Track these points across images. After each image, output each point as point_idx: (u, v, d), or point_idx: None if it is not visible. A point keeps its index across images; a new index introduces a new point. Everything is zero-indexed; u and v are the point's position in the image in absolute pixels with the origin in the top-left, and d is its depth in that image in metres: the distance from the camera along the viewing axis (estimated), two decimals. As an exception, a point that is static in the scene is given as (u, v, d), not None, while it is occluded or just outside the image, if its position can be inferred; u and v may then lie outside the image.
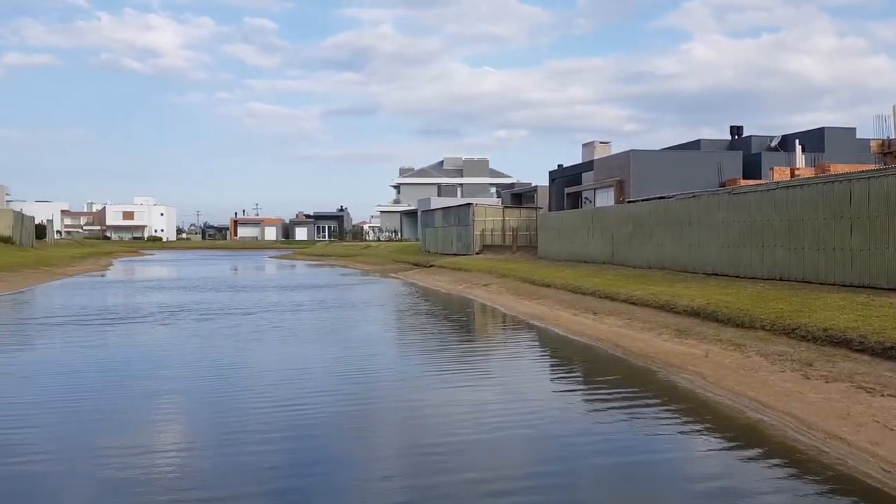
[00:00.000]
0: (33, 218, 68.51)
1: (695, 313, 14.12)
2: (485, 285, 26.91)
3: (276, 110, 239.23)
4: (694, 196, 22.60)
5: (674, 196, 24.17)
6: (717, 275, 19.77)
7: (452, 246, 46.42)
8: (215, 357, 13.10)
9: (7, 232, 53.16)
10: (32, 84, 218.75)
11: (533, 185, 60.16)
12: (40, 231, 70.55)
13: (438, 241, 49.92)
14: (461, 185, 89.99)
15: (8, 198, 76.24)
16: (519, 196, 60.52)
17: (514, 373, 11.76)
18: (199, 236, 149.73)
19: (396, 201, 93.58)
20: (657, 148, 42.72)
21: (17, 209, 65.21)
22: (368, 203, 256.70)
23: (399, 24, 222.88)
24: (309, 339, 15.44)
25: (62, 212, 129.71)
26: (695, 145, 42.09)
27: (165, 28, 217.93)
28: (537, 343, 15.22)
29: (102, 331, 16.53)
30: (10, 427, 8.11)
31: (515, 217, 44.43)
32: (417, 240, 62.32)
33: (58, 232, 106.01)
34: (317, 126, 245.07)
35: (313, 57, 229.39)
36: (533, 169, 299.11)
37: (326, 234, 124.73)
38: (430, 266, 39.83)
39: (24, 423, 8.36)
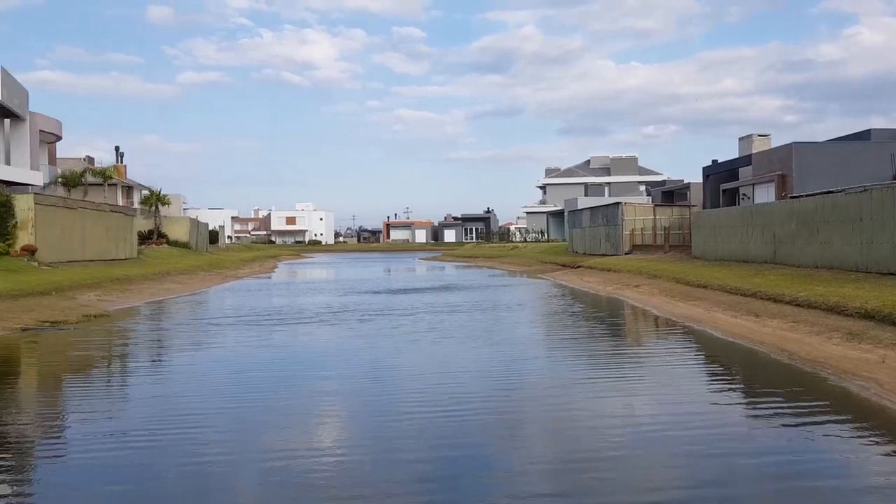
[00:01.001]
0: (207, 224, 74.16)
1: (868, 316, 13.18)
2: (635, 286, 26.32)
3: (423, 115, 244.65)
4: (865, 190, 21.02)
5: (843, 190, 22.58)
6: (892, 274, 18.30)
7: (601, 246, 45.65)
8: (375, 358, 13.52)
9: (184, 238, 57.82)
10: (204, 100, 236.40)
11: (685, 181, 58.05)
12: (213, 236, 76.17)
13: (586, 242, 49.25)
14: (609, 183, 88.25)
15: (184, 206, 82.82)
16: (670, 194, 58.59)
17: (670, 379, 11.28)
18: (355, 239, 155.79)
19: (542, 202, 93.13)
20: (820, 139, 40.03)
21: (193, 216, 70.75)
22: (514, 204, 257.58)
23: (542, 25, 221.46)
24: (464, 340, 15.52)
25: (232, 218, 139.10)
26: (864, 136, 39.00)
27: (321, 42, 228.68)
28: (694, 347, 14.69)
29: (270, 331, 17.41)
30: (185, 426, 8.55)
31: (667, 215, 43.06)
32: (564, 240, 61.76)
33: (228, 237, 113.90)
34: (462, 129, 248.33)
35: (458, 62, 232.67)
36: (684, 165, 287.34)
37: (474, 235, 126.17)
38: (578, 267, 39.39)
39: (197, 422, 8.75)
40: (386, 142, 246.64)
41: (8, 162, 40.31)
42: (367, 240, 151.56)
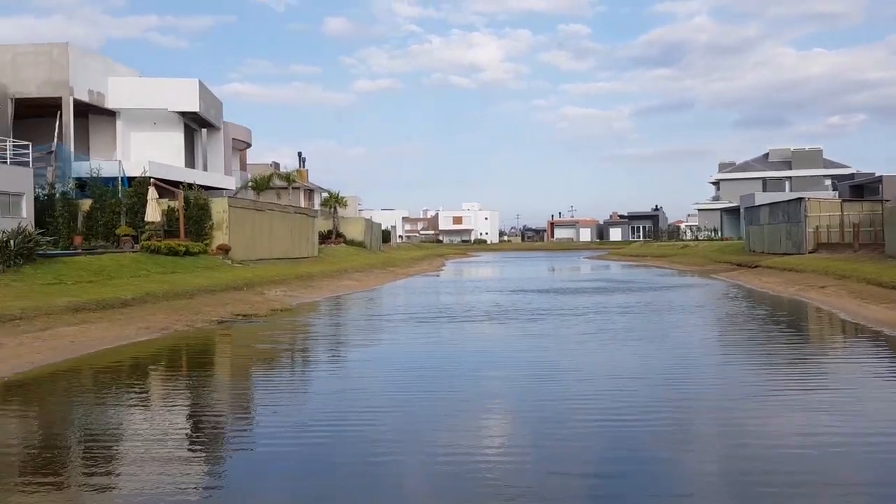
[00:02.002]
0: (380, 224, 77.44)
1: None
2: (820, 287, 24.62)
3: (588, 112, 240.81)
4: None
5: None
6: None
7: (780, 245, 42.99)
8: (543, 359, 13.42)
9: (360, 237, 60.72)
10: (377, 106, 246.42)
11: (877, 174, 53.34)
12: (386, 236, 79.39)
13: (764, 240, 46.55)
14: (789, 178, 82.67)
15: (360, 207, 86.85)
16: (859, 188, 54.04)
17: (865, 394, 10.05)
18: (519, 238, 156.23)
19: (716, 198, 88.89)
20: None
21: (367, 217, 74.07)
22: (685, 201, 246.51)
23: (715, 14, 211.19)
24: (635, 343, 15.09)
25: (403, 218, 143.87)
26: None
27: (487, 44, 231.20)
28: (890, 356, 13.52)
29: (440, 328, 17.84)
30: (361, 422, 8.78)
31: (856, 211, 39.79)
32: (739, 239, 58.67)
33: (399, 236, 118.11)
34: (628, 125, 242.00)
35: (625, 56, 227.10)
36: (875, 157, 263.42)
37: (641, 234, 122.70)
38: (755, 266, 37.36)
39: (372, 419, 8.91)
40: (551, 140, 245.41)
41: (205, 168, 44.21)
42: (532, 239, 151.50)
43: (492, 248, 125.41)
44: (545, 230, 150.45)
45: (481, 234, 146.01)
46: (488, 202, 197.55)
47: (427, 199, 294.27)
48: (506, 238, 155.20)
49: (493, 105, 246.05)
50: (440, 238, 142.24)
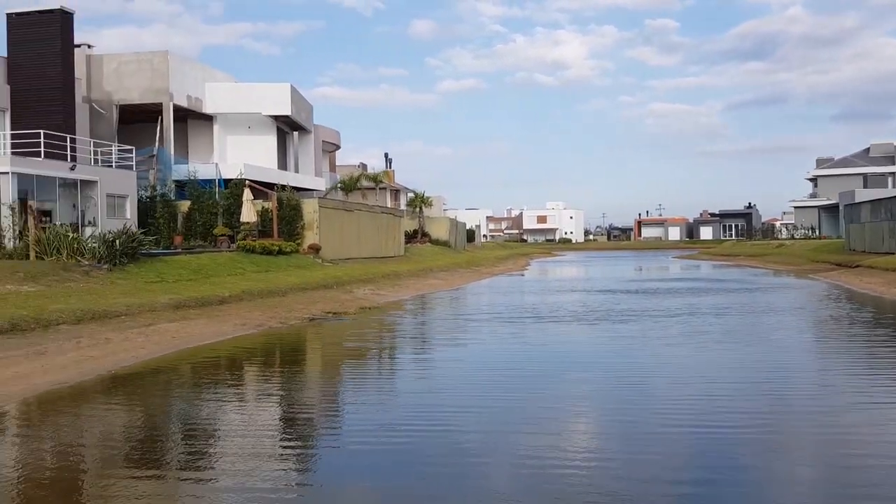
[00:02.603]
0: (465, 224, 77.80)
1: None
2: (930, 290, 23.35)
3: (677, 108, 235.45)
4: None
5: None
6: None
7: (884, 243, 40.88)
8: (632, 362, 13.01)
9: (445, 236, 61.22)
10: (461, 106, 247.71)
11: None
12: (470, 235, 79.72)
13: (866, 239, 44.36)
14: (892, 173, 78.52)
15: (444, 207, 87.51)
16: (975, 183, 50.85)
17: None
18: (605, 237, 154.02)
19: (813, 195, 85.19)
20: None
21: (452, 217, 74.57)
22: (779, 199, 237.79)
23: (811, 4, 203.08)
24: (732, 348, 14.48)
25: (487, 218, 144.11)
26: None
27: (572, 41, 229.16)
28: None
29: (525, 328, 17.71)
30: (447, 422, 8.73)
31: (971, 209, 37.49)
32: (839, 237, 56.13)
33: (483, 236, 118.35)
34: (718, 121, 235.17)
35: (714, 50, 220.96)
36: None
37: (733, 232, 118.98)
38: (856, 266, 35.67)
39: (457, 420, 8.83)
40: (638, 137, 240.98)
41: (297, 170, 45.48)
42: (618, 238, 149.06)
43: (577, 247, 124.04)
44: (632, 229, 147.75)
45: (566, 233, 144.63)
46: (573, 201, 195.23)
47: (511, 199, 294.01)
48: (591, 237, 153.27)
49: (577, 103, 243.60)
50: (524, 237, 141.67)
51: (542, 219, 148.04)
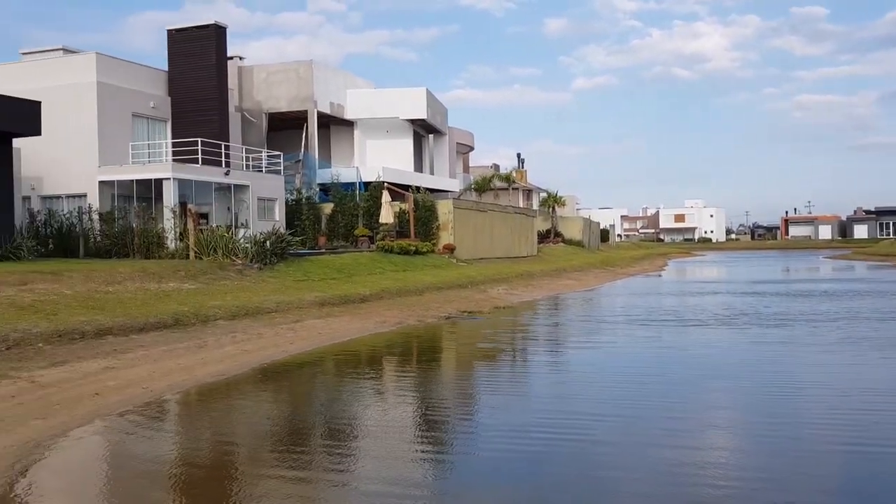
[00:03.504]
0: (598, 223, 76.66)
1: None
2: None
3: (827, 99, 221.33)
4: None
5: None
6: None
7: None
8: (782, 370, 12.26)
9: (578, 236, 60.57)
10: (594, 104, 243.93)
11: None
12: (604, 235, 78.40)
13: None
14: None
15: (577, 206, 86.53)
16: None
17: None
18: (748, 237, 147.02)
19: None
20: None
21: (585, 216, 73.65)
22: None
23: None
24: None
25: (621, 217, 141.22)
26: None
27: (712, 33, 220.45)
28: None
29: (662, 332, 17.22)
30: (578, 429, 8.47)
31: None
32: None
33: (618, 235, 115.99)
34: (874, 112, 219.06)
35: (868, 37, 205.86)
36: None
37: (891, 230, 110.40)
38: None
39: (589, 426, 8.58)
40: (784, 131, 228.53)
41: (432, 171, 46.45)
42: (762, 237, 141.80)
43: (717, 247, 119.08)
44: (778, 228, 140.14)
45: (706, 232, 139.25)
46: (713, 199, 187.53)
47: (647, 197, 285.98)
48: (733, 236, 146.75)
49: (718, 96, 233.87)
50: (661, 237, 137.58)
51: (679, 217, 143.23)
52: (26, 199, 26.72)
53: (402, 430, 8.90)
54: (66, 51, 30.64)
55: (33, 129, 21.01)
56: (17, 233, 21.68)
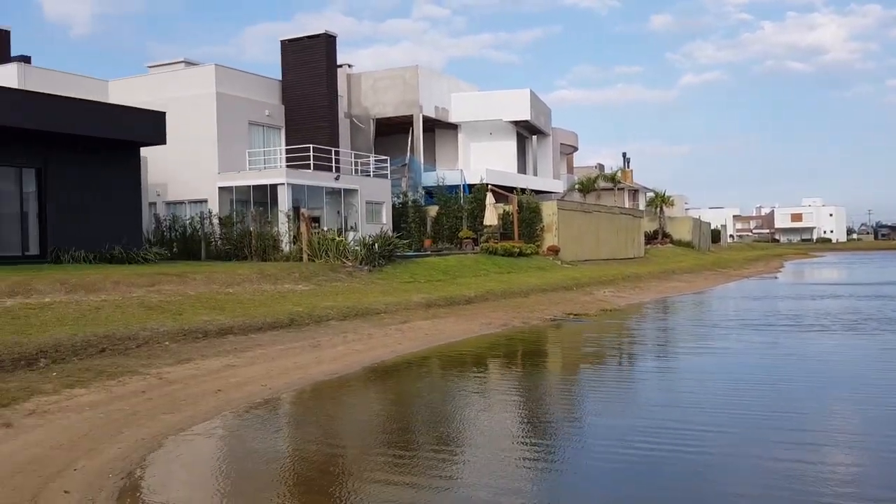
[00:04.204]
0: (709, 224, 74.20)
1: None
2: None
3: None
4: None
5: None
6: None
7: None
8: None
9: (687, 237, 58.84)
10: (702, 101, 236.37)
11: None
12: (715, 235, 75.81)
13: None
14: None
15: (686, 206, 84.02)
16: None
17: None
18: (871, 236, 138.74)
19: None
20: None
21: (695, 216, 71.43)
22: None
23: None
24: None
25: (733, 217, 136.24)
26: None
27: (828, 24, 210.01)
28: None
29: (778, 337, 16.45)
30: (686, 440, 8.13)
31: None
32: None
33: (730, 236, 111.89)
34: None
35: None
36: None
37: None
38: None
39: (698, 438, 8.24)
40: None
41: (535, 173, 46.28)
42: (887, 237, 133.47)
43: (837, 247, 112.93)
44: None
45: (824, 232, 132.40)
46: (832, 197, 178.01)
47: (760, 196, 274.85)
48: (854, 236, 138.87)
49: (836, 90, 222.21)
50: (776, 237, 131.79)
51: (796, 217, 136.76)
52: (152, 204, 28.42)
53: (507, 434, 8.91)
54: (188, 63, 32.41)
55: (159, 138, 22.33)
56: (145, 237, 23.10)
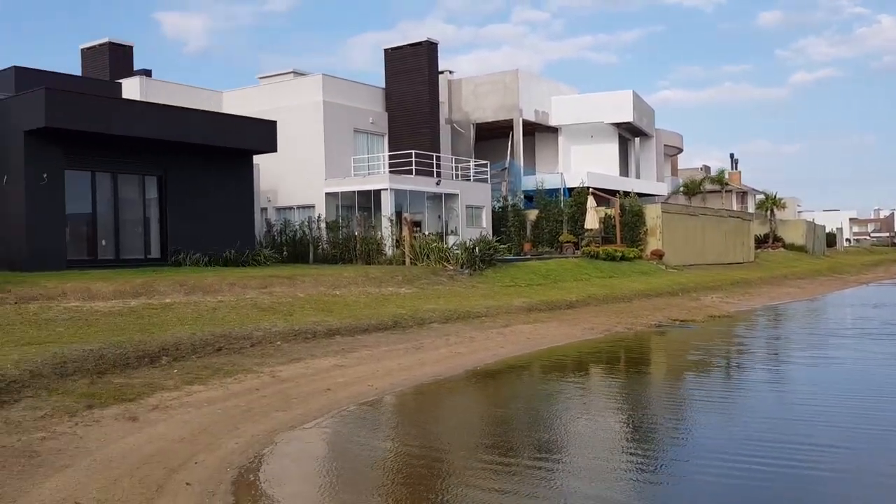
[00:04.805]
0: (824, 227, 70.57)
1: None
2: None
3: None
4: None
5: None
6: None
7: None
8: None
9: (800, 241, 56.21)
10: (814, 98, 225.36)
11: None
12: (830, 239, 72.04)
13: None
14: None
15: (799, 209, 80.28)
16: None
17: None
18: None
19: None
20: None
21: (808, 219, 68.12)
22: None
23: None
24: None
25: (850, 219, 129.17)
26: None
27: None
28: None
29: None
30: (798, 460, 7.65)
31: None
32: None
33: (847, 240, 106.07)
34: None
35: None
36: None
37: None
38: None
39: (811, 458, 7.76)
40: None
41: (638, 175, 45.34)
42: None
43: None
44: None
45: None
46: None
47: (879, 198, 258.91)
48: None
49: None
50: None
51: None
52: (263, 210, 29.57)
53: (610, 443, 8.79)
54: (296, 73, 33.57)
55: (270, 146, 23.24)
56: (257, 241, 24.07)
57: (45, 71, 22.81)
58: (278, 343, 13.15)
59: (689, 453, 8.18)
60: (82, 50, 33.79)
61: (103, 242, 20.05)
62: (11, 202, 18.50)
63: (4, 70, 22.08)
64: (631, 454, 8.32)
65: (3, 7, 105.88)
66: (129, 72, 32.17)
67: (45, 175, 18.32)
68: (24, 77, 21.60)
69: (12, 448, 7.31)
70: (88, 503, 6.15)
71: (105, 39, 33.21)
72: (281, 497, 6.75)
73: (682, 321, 19.99)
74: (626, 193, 35.29)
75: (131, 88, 27.94)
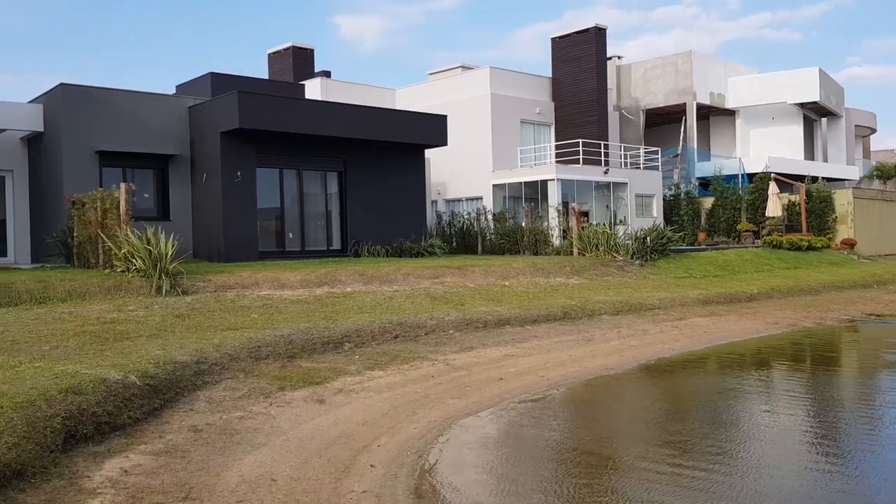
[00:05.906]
0: None
1: None
2: None
3: None
4: None
5: None
6: None
7: None
8: None
9: None
10: None
11: None
12: None
13: None
14: None
15: None
16: None
17: None
18: None
19: None
20: None
21: None
22: None
23: None
24: None
25: None
26: None
27: None
28: None
29: None
30: None
31: None
32: None
33: None
34: None
35: None
36: None
37: None
38: None
39: None
40: None
41: (825, 159, 42.17)
42: None
43: None
44: None
45: None
46: None
47: None
48: None
49: None
50: None
51: None
52: (434, 202, 30.40)
53: (797, 448, 8.26)
54: (464, 68, 34.16)
55: (441, 140, 23.84)
56: (429, 232, 24.81)
57: (237, 76, 24.70)
58: (451, 332, 13.51)
59: (888, 468, 7.46)
60: (269, 54, 36.28)
61: (290, 235, 21.48)
62: (210, 199, 20.24)
63: (202, 77, 24.18)
64: (823, 462, 7.70)
65: (199, 19, 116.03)
66: (311, 73, 34.14)
67: (238, 173, 19.89)
68: (219, 82, 23.52)
69: (215, 426, 8.03)
70: (284, 481, 6.61)
71: (289, 44, 35.45)
72: (461, 484, 6.93)
73: (878, 316, 18.42)
74: (813, 178, 32.90)
75: (313, 89, 29.62)
